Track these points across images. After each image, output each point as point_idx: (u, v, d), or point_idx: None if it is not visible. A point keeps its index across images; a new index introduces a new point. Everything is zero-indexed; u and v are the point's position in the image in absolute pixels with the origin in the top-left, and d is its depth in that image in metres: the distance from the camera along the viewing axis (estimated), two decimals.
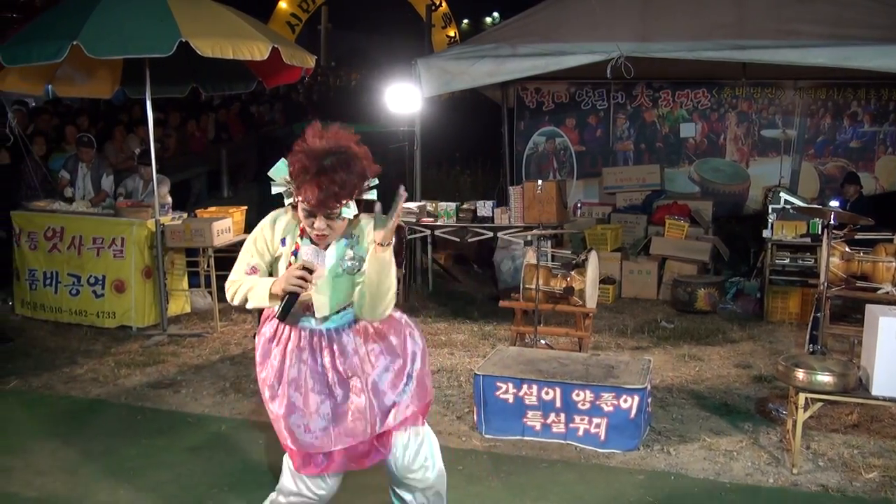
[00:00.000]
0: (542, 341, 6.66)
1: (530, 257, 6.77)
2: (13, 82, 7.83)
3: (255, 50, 6.98)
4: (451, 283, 9.86)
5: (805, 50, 7.24)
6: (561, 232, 8.16)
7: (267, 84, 8.73)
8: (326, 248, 3.18)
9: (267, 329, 3.32)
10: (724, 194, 10.52)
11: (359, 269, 3.18)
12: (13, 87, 7.98)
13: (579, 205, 10.44)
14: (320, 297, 3.18)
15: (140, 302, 7.81)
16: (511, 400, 5.14)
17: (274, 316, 3.18)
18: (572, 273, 6.70)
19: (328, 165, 2.95)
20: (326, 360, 3.24)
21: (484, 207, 8.61)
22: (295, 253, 3.16)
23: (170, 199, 8.37)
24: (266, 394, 3.32)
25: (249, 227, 8.71)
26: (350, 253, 3.19)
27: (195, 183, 12.89)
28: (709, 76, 10.19)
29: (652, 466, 4.78)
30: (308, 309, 3.19)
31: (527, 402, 5.11)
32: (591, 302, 6.69)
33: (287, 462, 3.37)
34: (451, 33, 21.80)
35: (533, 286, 6.50)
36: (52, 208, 8.27)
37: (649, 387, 5.16)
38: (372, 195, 3.17)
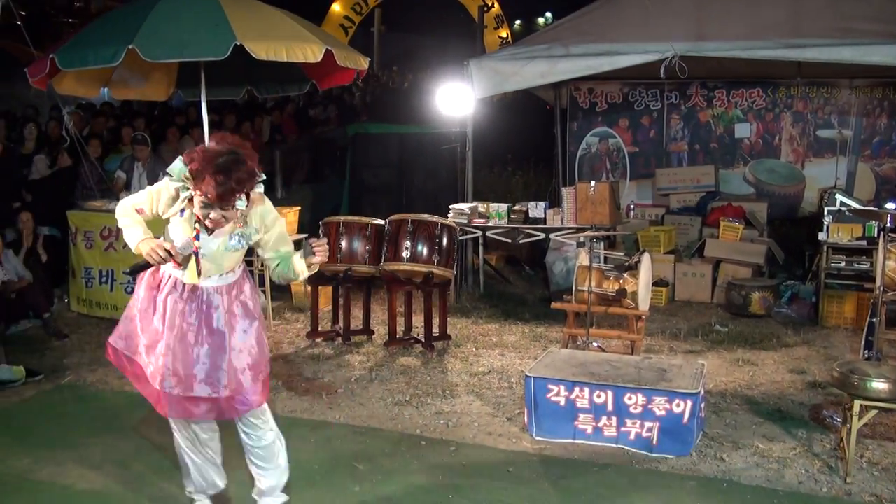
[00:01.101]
0: (594, 344, 6.61)
1: (583, 259, 6.72)
2: (69, 85, 7.99)
3: (309, 52, 7.03)
4: (502, 284, 9.84)
5: (862, 48, 7.08)
6: (614, 234, 8.09)
7: (320, 86, 8.80)
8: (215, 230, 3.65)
9: (150, 278, 3.78)
10: (778, 196, 10.35)
11: (243, 246, 3.74)
12: (69, 89, 8.14)
13: (632, 206, 10.34)
14: (209, 265, 3.69)
15: None
16: (562, 402, 5.10)
17: (145, 267, 3.72)
18: (625, 275, 6.64)
19: (223, 165, 3.39)
20: (203, 314, 3.71)
21: (536, 209, 8.56)
22: (197, 237, 3.63)
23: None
24: (143, 342, 3.74)
25: (302, 227, 8.86)
26: (238, 233, 3.69)
27: None
28: (764, 75, 10.03)
29: (703, 473, 4.70)
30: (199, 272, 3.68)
31: (578, 404, 5.07)
32: (644, 304, 6.62)
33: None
34: (504, 34, 21.77)
35: (585, 288, 6.45)
36: (108, 208, 8.42)
37: (702, 391, 5.08)
38: (259, 189, 3.65)
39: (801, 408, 5.71)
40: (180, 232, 3.65)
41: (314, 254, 3.69)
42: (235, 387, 3.74)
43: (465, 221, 8.57)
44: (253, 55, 6.79)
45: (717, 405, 5.72)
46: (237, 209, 3.55)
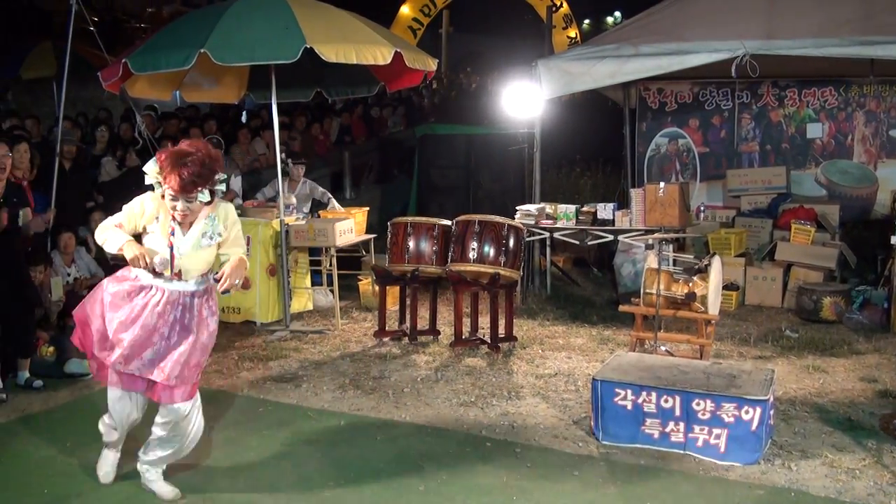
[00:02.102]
0: (663, 348, 6.53)
1: (652, 261, 6.64)
2: (142, 89, 8.21)
3: (378, 54, 7.10)
4: (569, 286, 9.78)
5: None
6: (683, 236, 7.98)
7: (389, 87, 8.86)
8: (190, 226, 4.16)
9: (127, 283, 4.21)
10: (850, 198, 10.06)
11: (214, 243, 4.20)
12: (142, 93, 8.36)
13: (702, 208, 10.17)
14: (188, 264, 4.16)
15: (264, 299, 8.07)
16: (629, 407, 5.05)
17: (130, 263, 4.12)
18: (695, 278, 6.54)
19: (188, 161, 3.92)
20: (178, 313, 4.20)
21: (604, 210, 8.48)
22: (173, 233, 4.13)
23: (294, 201, 8.60)
24: (113, 325, 4.16)
25: (371, 228, 8.95)
26: (206, 230, 4.17)
27: (319, 184, 13.20)
28: (836, 74, 9.78)
29: (772, 482, 4.61)
30: (177, 274, 4.15)
31: (645, 409, 5.01)
32: (714, 308, 6.51)
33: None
34: (572, 34, 21.64)
35: (654, 291, 6.38)
36: None
37: (772, 398, 4.97)
38: (221, 187, 4.14)
39: (872, 417, 5.54)
40: (157, 238, 4.15)
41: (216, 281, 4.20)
42: (180, 379, 4.21)
43: (533, 222, 8.54)
44: (323, 58, 6.88)
45: (786, 413, 5.60)
46: (200, 202, 4.05)
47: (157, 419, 4.38)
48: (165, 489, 4.42)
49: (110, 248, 4.13)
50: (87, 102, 15.16)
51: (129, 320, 4.15)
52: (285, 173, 8.81)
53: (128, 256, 4.05)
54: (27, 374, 6.31)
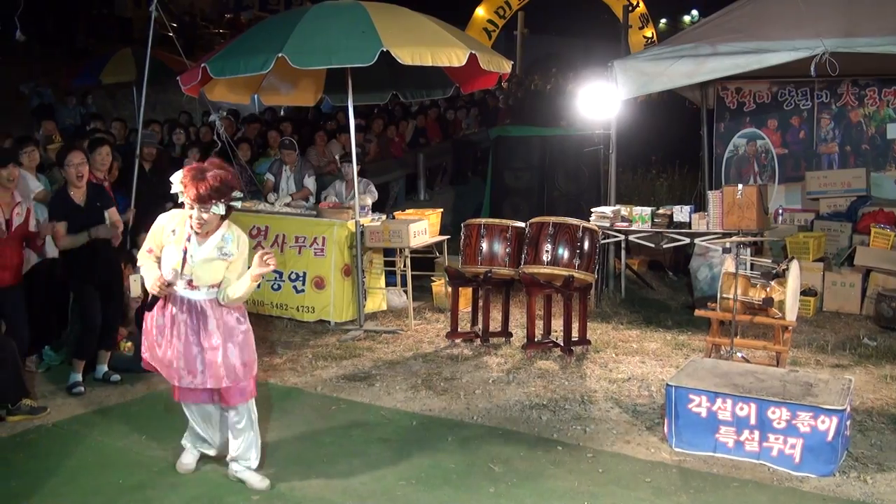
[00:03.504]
0: (739, 354, 6.41)
1: (729, 265, 6.53)
2: (221, 92, 8.40)
3: (454, 56, 7.12)
4: (644, 289, 9.67)
5: None
6: (761, 239, 7.82)
7: (464, 89, 8.88)
8: (206, 236, 4.52)
9: (156, 309, 4.64)
10: None
11: (227, 259, 4.53)
12: (221, 96, 8.55)
13: (780, 211, 9.92)
14: (200, 272, 4.50)
15: (338, 298, 8.18)
16: (704, 414, 4.98)
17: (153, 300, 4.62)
18: (772, 283, 6.41)
19: (206, 176, 4.34)
20: (198, 321, 4.54)
21: (681, 212, 8.34)
22: (189, 239, 4.50)
23: (369, 201, 8.69)
24: (158, 344, 4.60)
25: (444, 229, 9.00)
26: (221, 246, 4.53)
27: (393, 186, 13.35)
28: None
29: (847, 495, 4.49)
30: (189, 283, 4.51)
31: (720, 416, 4.93)
32: (791, 314, 6.37)
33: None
34: (649, 34, 21.43)
35: (731, 296, 6.27)
36: (257, 209, 8.81)
37: (849, 408, 4.85)
38: (237, 204, 4.53)
39: None
40: (172, 252, 4.53)
41: (267, 264, 4.44)
42: (234, 381, 4.56)
43: (608, 225, 8.46)
44: (399, 60, 6.94)
45: (862, 423, 5.45)
46: (215, 214, 4.41)
47: (230, 420, 4.70)
48: (255, 478, 4.65)
49: (144, 277, 4.65)
50: (166, 106, 15.62)
51: (162, 334, 4.59)
52: (342, 175, 8.93)
53: (148, 287, 4.58)
54: (105, 368, 6.55)
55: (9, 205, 6.03)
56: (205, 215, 4.42)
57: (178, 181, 4.42)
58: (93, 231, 6.15)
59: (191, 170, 4.41)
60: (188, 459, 4.87)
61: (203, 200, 4.36)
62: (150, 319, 4.67)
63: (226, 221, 4.57)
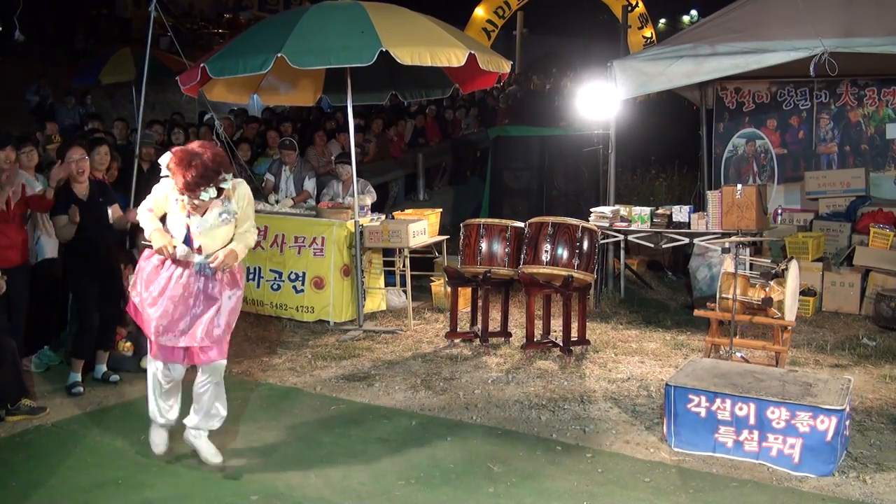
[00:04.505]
0: (738, 354, 6.41)
1: (728, 266, 6.53)
2: (220, 93, 8.39)
3: (453, 57, 7.13)
4: (643, 289, 9.67)
5: None
6: (760, 240, 7.82)
7: (463, 89, 8.88)
8: (204, 213, 4.54)
9: (155, 258, 4.64)
10: None
11: (231, 221, 4.58)
12: (220, 96, 8.54)
13: (780, 211, 9.93)
14: (206, 240, 4.57)
15: (338, 298, 8.18)
16: (703, 413, 4.98)
17: (156, 252, 4.62)
18: (771, 283, 6.41)
19: (192, 164, 4.29)
20: (201, 284, 4.62)
21: (680, 212, 8.34)
22: (189, 216, 4.54)
23: (368, 202, 8.70)
24: (147, 300, 4.61)
25: (443, 229, 9.00)
26: (224, 211, 4.55)
27: (392, 186, 13.36)
28: None
29: (846, 495, 4.49)
30: (198, 250, 4.57)
31: (719, 416, 4.94)
32: (791, 314, 6.37)
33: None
34: (648, 34, 21.43)
35: (730, 296, 6.27)
36: (256, 209, 8.78)
37: (848, 408, 4.85)
38: (226, 185, 4.46)
39: None
40: (177, 219, 4.59)
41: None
42: (212, 339, 4.62)
43: (607, 225, 8.46)
44: (398, 60, 6.94)
45: (862, 423, 5.45)
46: (203, 199, 4.39)
47: (196, 382, 4.80)
48: (210, 450, 4.84)
49: (145, 230, 4.68)
50: (165, 106, 15.63)
51: (158, 293, 4.59)
52: (338, 175, 8.95)
53: (154, 246, 4.60)
54: (104, 368, 6.55)
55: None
56: (196, 201, 4.43)
57: (165, 164, 4.45)
58: (72, 212, 6.13)
59: (177, 154, 4.39)
60: (159, 438, 4.95)
61: (191, 188, 4.35)
62: (143, 260, 4.71)
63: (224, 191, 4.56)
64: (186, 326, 4.60)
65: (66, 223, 6.13)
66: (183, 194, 4.41)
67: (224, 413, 4.90)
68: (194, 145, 4.47)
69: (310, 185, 9.54)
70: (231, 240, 4.68)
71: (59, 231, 6.28)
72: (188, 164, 4.31)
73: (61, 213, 6.15)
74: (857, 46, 7.29)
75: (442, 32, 7.46)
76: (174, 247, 4.54)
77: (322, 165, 11.13)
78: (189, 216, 4.54)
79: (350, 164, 8.40)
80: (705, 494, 4.49)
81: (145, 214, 4.69)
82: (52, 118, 12.51)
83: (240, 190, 4.66)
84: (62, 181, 6.28)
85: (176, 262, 4.61)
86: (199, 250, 4.59)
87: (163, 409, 4.90)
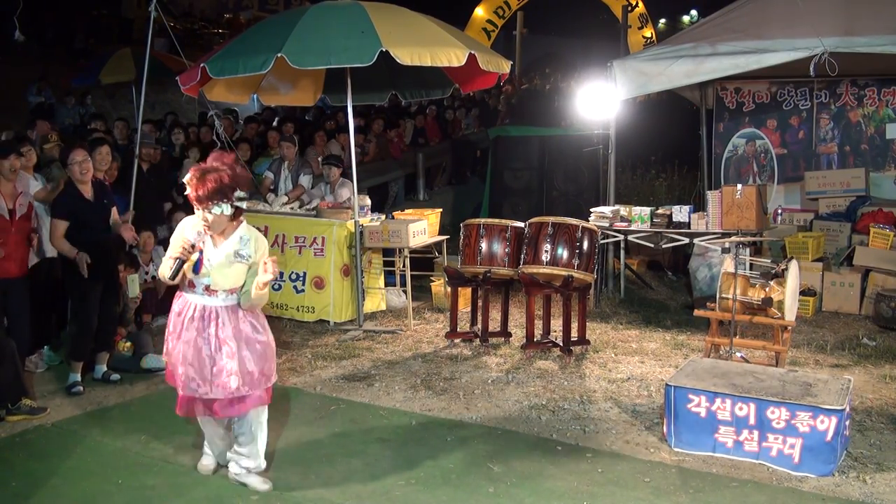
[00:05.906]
0: (738, 354, 6.41)
1: (728, 265, 6.53)
2: (220, 93, 8.38)
3: (453, 57, 7.12)
4: (643, 289, 9.68)
5: None
6: (760, 240, 7.81)
7: (463, 89, 8.88)
8: (222, 236, 4.45)
9: (176, 306, 4.57)
10: None
11: (244, 263, 4.48)
12: (220, 97, 8.52)
13: (780, 211, 9.92)
14: (217, 276, 4.44)
15: (338, 298, 8.18)
16: (703, 413, 4.98)
17: (172, 281, 4.44)
18: (771, 283, 6.41)
19: (208, 177, 4.27)
20: (212, 328, 4.45)
21: (680, 212, 8.34)
22: (204, 244, 4.43)
23: (368, 202, 8.70)
24: (169, 347, 4.53)
25: (444, 229, 9.00)
26: (238, 248, 4.47)
27: (392, 186, 13.36)
28: None
29: (846, 495, 4.49)
30: (207, 288, 4.44)
31: (719, 416, 4.94)
32: (791, 314, 6.37)
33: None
34: (648, 34, 21.42)
35: (730, 296, 6.27)
36: (256, 209, 8.81)
37: (848, 408, 4.85)
38: (242, 205, 4.45)
39: None
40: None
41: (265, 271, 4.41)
42: (247, 385, 4.49)
43: (607, 225, 8.47)
44: (398, 60, 6.94)
45: (862, 423, 5.45)
46: (215, 213, 4.34)
47: (235, 433, 4.65)
48: (257, 481, 4.61)
49: (163, 267, 4.47)
50: (165, 106, 15.63)
51: (176, 337, 4.49)
52: (321, 176, 8.98)
53: (173, 254, 4.38)
54: (104, 368, 6.55)
55: (12, 195, 6.10)
56: (208, 215, 4.38)
57: (186, 180, 4.42)
58: (81, 256, 6.07)
59: (197, 169, 4.38)
60: (207, 461, 4.85)
61: (202, 201, 4.32)
62: (173, 333, 4.56)
63: (243, 223, 4.53)
64: (212, 375, 4.44)
65: (62, 236, 6.10)
66: (197, 208, 4.37)
67: (261, 457, 4.69)
68: (213, 161, 4.42)
69: (305, 180, 9.52)
70: (244, 283, 4.53)
71: (54, 239, 6.19)
72: (203, 177, 4.29)
73: (62, 216, 6.13)
74: (856, 46, 7.29)
75: (442, 32, 7.46)
76: (191, 245, 4.39)
77: (321, 166, 11.13)
78: (204, 243, 4.43)
79: (337, 165, 8.49)
80: (705, 494, 4.49)
81: (165, 262, 4.50)
82: (51, 118, 12.49)
83: (260, 241, 4.59)
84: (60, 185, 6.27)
85: (188, 303, 4.50)
86: (209, 289, 4.46)
87: (211, 446, 4.84)
